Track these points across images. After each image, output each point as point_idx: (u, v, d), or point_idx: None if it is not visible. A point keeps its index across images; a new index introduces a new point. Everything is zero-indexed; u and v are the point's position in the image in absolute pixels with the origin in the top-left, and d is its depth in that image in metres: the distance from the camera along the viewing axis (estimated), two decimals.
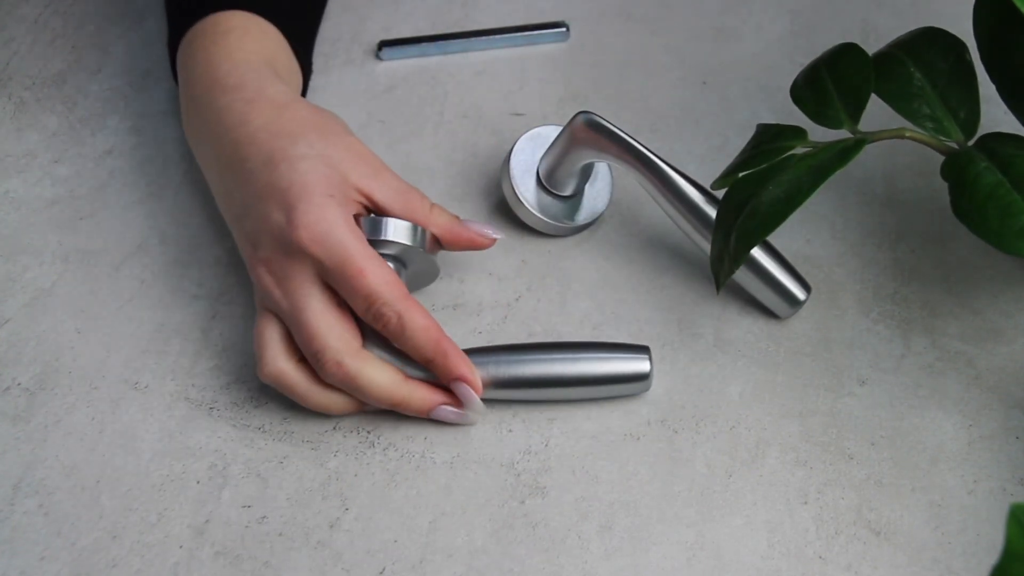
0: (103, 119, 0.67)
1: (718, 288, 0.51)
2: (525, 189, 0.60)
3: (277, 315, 0.52)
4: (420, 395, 0.52)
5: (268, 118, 0.53)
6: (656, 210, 0.61)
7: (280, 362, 0.51)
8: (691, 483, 0.52)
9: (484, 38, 0.70)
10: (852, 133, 0.52)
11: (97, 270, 0.60)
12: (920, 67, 0.54)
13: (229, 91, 0.55)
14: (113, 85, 0.68)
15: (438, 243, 0.55)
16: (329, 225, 0.50)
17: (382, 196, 0.53)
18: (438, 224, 0.54)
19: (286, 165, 0.52)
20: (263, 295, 0.52)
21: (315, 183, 0.51)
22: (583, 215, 0.61)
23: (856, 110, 0.51)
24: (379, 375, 0.51)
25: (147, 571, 0.50)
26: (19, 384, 0.56)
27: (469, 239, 0.55)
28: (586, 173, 0.60)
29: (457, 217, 0.55)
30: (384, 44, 0.69)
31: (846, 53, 0.53)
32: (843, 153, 0.49)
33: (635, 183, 0.59)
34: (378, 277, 0.50)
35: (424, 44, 0.70)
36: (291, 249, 0.50)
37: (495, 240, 0.56)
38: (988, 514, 0.51)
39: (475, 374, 0.52)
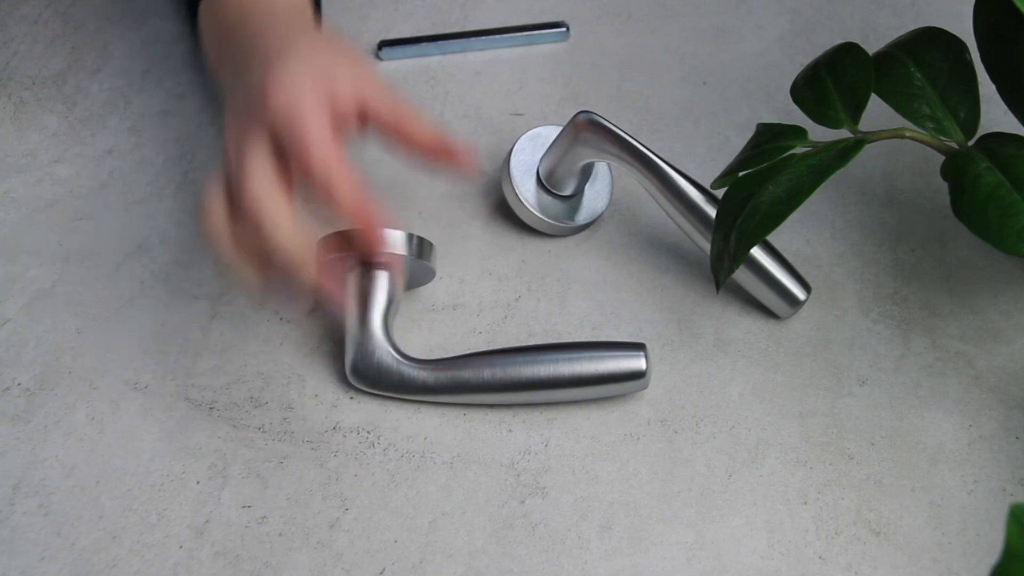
0: (103, 119, 0.67)
1: (718, 288, 0.51)
2: (525, 189, 0.60)
3: (228, 177, 0.52)
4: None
5: (290, 27, 0.55)
6: (656, 210, 0.61)
7: (217, 217, 0.51)
8: (691, 483, 0.52)
9: (484, 38, 0.70)
10: (852, 133, 0.52)
11: (97, 270, 0.60)
12: (920, 67, 0.54)
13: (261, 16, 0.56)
14: (113, 85, 0.68)
15: (432, 248, 0.55)
16: (297, 93, 0.50)
17: (374, 95, 0.53)
18: (423, 133, 0.54)
19: (288, 41, 0.53)
20: (223, 154, 0.53)
21: (303, 55, 0.52)
22: (583, 215, 0.61)
23: (856, 110, 0.51)
24: (285, 222, 0.50)
25: (147, 571, 0.50)
26: (19, 384, 0.56)
27: (449, 153, 0.54)
28: (586, 173, 0.60)
29: (444, 136, 0.54)
30: (384, 44, 0.69)
31: (846, 53, 0.54)
32: (843, 153, 0.49)
33: (635, 183, 0.59)
34: (320, 147, 0.50)
35: (424, 44, 0.70)
36: (254, 104, 0.51)
37: (473, 165, 0.55)
38: (988, 514, 0.51)
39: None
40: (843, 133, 0.52)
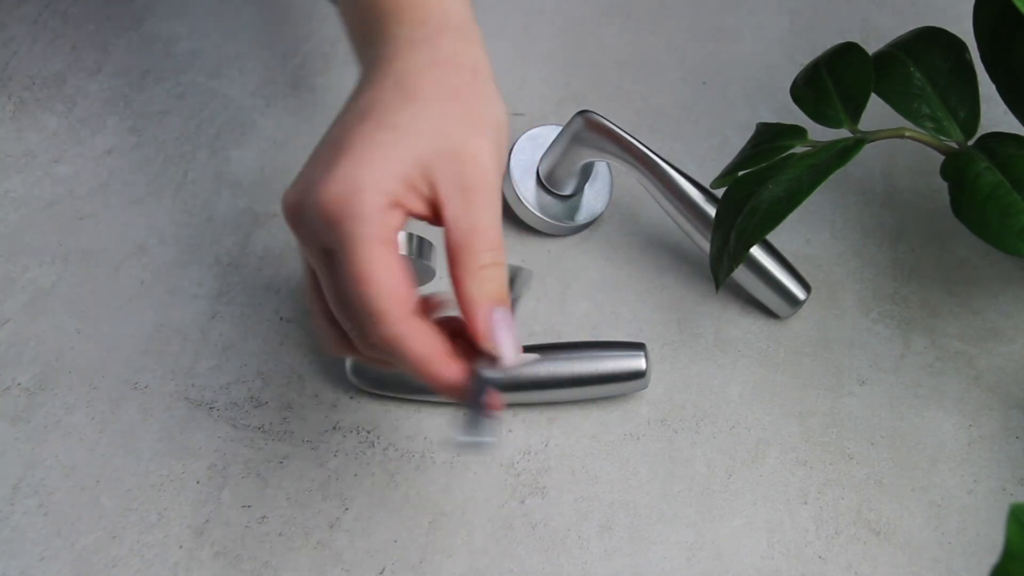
0: (103, 119, 0.67)
1: (717, 287, 0.51)
2: (525, 189, 0.60)
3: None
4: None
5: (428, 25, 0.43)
6: (656, 210, 0.61)
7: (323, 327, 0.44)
8: (691, 483, 0.52)
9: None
10: (852, 133, 0.52)
11: (97, 270, 0.60)
12: (920, 67, 0.54)
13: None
14: (113, 85, 0.68)
15: (432, 248, 0.53)
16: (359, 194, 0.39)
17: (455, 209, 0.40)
18: (472, 298, 0.41)
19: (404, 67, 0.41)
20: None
21: (401, 114, 0.40)
22: (583, 215, 0.61)
23: (856, 110, 0.51)
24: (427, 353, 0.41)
25: (147, 571, 0.50)
26: (19, 384, 0.56)
27: (485, 337, 0.41)
28: (586, 173, 0.60)
29: (505, 302, 0.41)
30: None
31: (846, 53, 0.54)
32: (843, 152, 0.49)
33: (635, 183, 0.59)
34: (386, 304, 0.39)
35: None
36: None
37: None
38: (988, 514, 0.51)
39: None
40: (843, 133, 0.52)
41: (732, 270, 0.50)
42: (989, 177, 0.49)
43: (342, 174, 0.39)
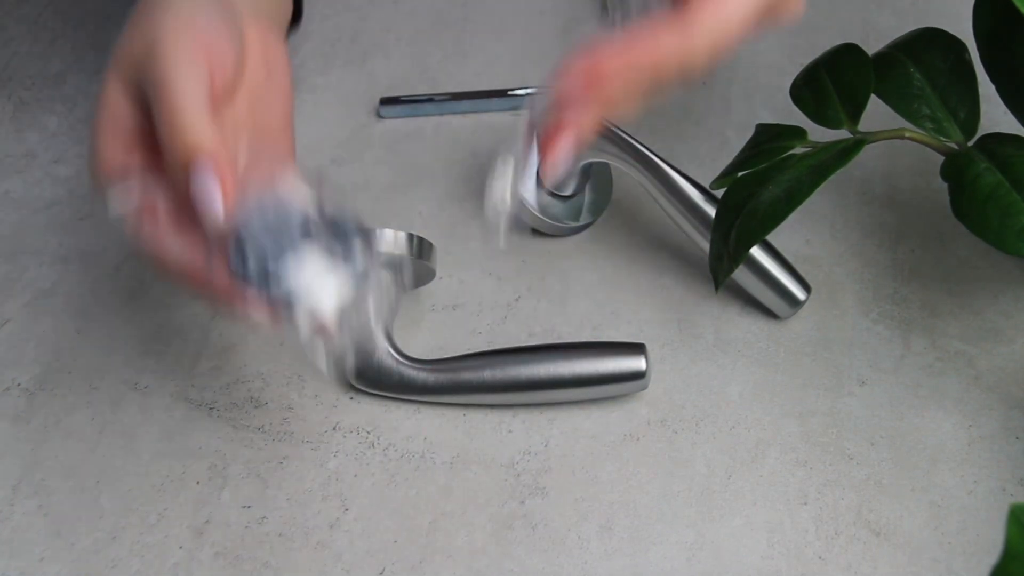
0: None
1: (717, 287, 0.51)
2: (525, 189, 0.60)
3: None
4: None
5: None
6: (656, 210, 0.61)
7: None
8: (691, 483, 0.52)
9: (495, 100, 0.68)
10: (852, 133, 0.52)
11: (97, 270, 0.60)
12: (920, 67, 0.54)
13: None
14: None
15: (432, 248, 0.55)
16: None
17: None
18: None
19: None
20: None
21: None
22: (583, 215, 0.61)
23: (856, 110, 0.51)
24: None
25: (147, 571, 0.50)
26: (19, 384, 0.56)
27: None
28: (586, 173, 0.60)
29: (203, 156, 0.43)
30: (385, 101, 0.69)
31: (846, 53, 0.54)
32: (843, 153, 0.50)
33: (635, 183, 0.59)
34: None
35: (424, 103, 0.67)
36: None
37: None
38: (988, 514, 0.51)
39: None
40: (843, 133, 0.52)
41: (732, 271, 0.50)
42: (989, 177, 0.49)
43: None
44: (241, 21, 0.48)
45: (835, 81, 0.53)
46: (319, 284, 0.43)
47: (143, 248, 0.44)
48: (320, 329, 0.43)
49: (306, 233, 0.44)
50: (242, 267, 0.42)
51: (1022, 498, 0.51)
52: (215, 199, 0.42)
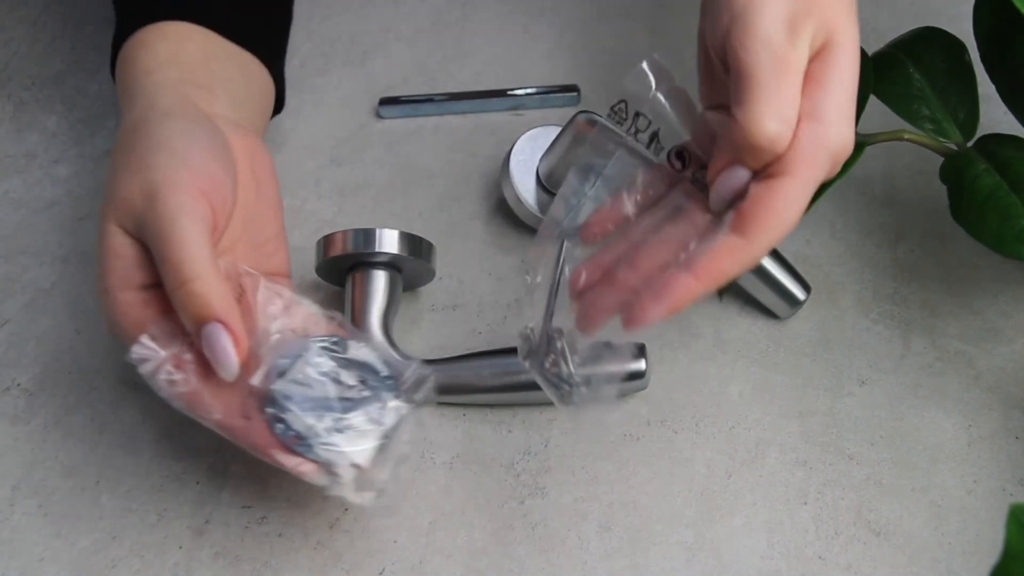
0: (103, 119, 0.67)
1: (721, 295, 0.51)
2: (525, 189, 0.60)
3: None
4: None
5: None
6: None
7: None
8: (691, 483, 0.52)
9: (494, 100, 0.68)
10: None
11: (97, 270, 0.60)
12: (920, 67, 0.54)
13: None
14: (113, 85, 0.68)
15: (432, 248, 0.55)
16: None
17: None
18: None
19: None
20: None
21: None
22: (583, 215, 0.61)
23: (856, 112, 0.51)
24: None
25: (147, 571, 0.50)
26: (19, 384, 0.56)
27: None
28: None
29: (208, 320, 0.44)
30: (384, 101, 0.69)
31: None
32: None
33: None
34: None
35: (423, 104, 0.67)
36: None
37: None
38: (988, 514, 0.51)
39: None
40: None
41: None
42: (988, 179, 0.49)
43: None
44: (228, 139, 0.49)
45: None
46: (358, 441, 0.46)
47: (186, 411, 0.46)
48: (361, 474, 0.46)
49: (342, 393, 0.46)
50: (284, 432, 0.45)
51: (1022, 498, 0.51)
52: (229, 357, 0.44)
